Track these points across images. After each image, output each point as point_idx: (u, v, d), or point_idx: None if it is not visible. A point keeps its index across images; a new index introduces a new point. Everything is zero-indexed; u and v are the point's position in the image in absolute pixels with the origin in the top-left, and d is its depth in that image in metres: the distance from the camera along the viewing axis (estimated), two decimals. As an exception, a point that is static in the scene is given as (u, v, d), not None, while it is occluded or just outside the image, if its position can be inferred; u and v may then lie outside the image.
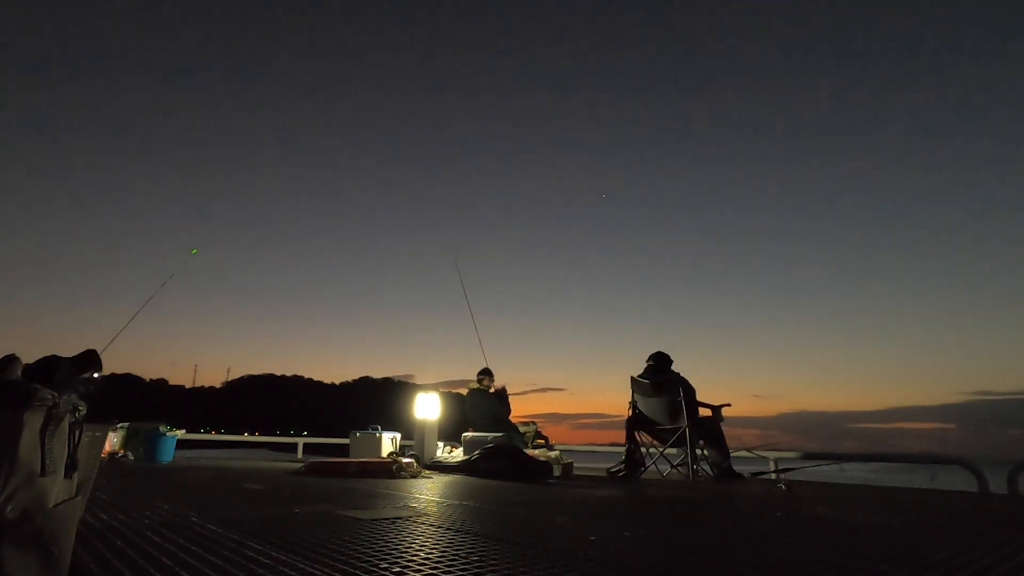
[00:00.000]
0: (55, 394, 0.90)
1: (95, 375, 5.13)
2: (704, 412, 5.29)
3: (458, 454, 5.89)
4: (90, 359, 5.22)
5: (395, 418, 7.58)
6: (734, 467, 5.06)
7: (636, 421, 5.43)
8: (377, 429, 6.62)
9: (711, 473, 5.00)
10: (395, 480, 4.07)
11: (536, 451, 5.29)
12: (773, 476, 5.27)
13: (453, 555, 1.40)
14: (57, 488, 0.92)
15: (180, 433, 6.31)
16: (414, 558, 1.35)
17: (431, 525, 1.89)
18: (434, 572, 1.22)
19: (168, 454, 5.99)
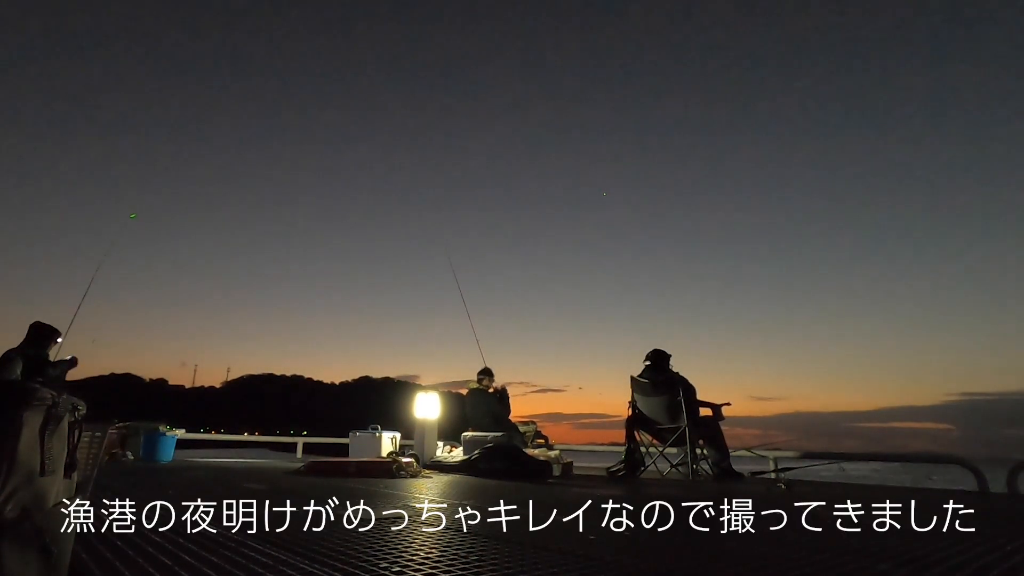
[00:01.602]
0: (55, 393, 0.90)
1: (58, 339, 5.13)
2: (704, 411, 5.28)
3: (458, 454, 5.89)
4: (43, 333, 5.21)
5: (395, 418, 7.59)
6: (734, 466, 5.06)
7: (636, 420, 5.42)
8: (377, 429, 6.62)
9: (710, 473, 5.00)
10: (395, 480, 4.07)
11: (536, 451, 5.29)
12: (773, 476, 5.26)
13: (453, 555, 1.40)
14: (57, 488, 0.92)
15: (180, 433, 6.32)
16: (414, 558, 1.35)
17: (431, 525, 1.89)
18: (434, 572, 1.22)
19: (168, 454, 5.99)
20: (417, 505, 2.46)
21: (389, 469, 4.34)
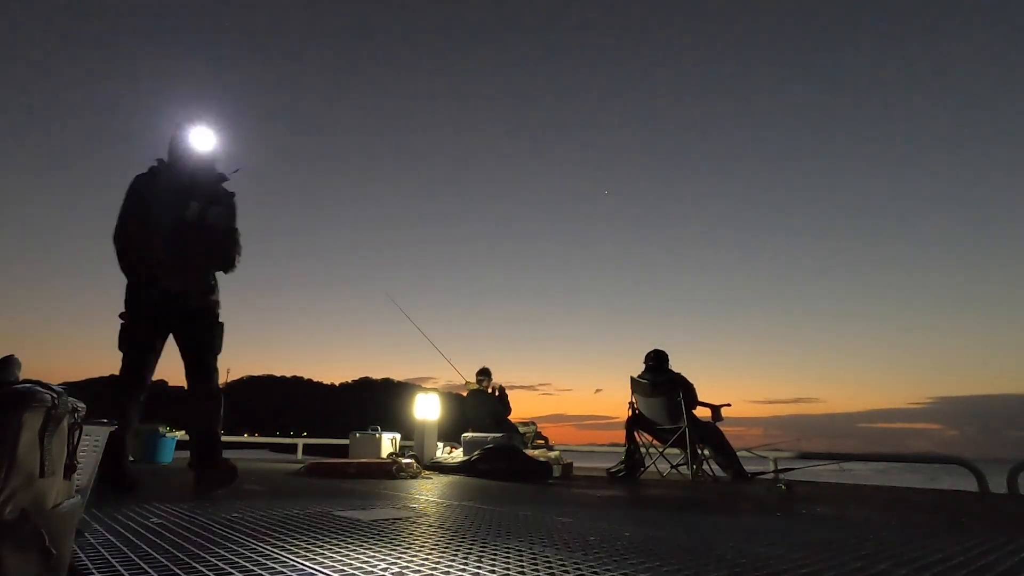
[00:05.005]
0: (55, 395, 0.90)
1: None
2: (704, 412, 5.29)
3: (458, 455, 5.88)
4: None
5: (395, 419, 7.58)
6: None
7: (636, 421, 5.43)
8: (377, 430, 6.62)
9: (712, 474, 5.00)
10: (395, 481, 4.06)
11: (536, 451, 5.29)
12: (773, 476, 5.27)
13: (453, 555, 1.40)
14: (56, 489, 0.92)
15: (180, 434, 6.31)
16: (414, 558, 1.35)
17: (431, 525, 1.89)
18: (433, 572, 1.22)
19: (168, 455, 5.98)
20: (417, 506, 2.46)
21: (389, 470, 4.34)
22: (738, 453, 5.24)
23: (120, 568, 1.21)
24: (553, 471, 4.75)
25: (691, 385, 5.26)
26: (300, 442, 9.10)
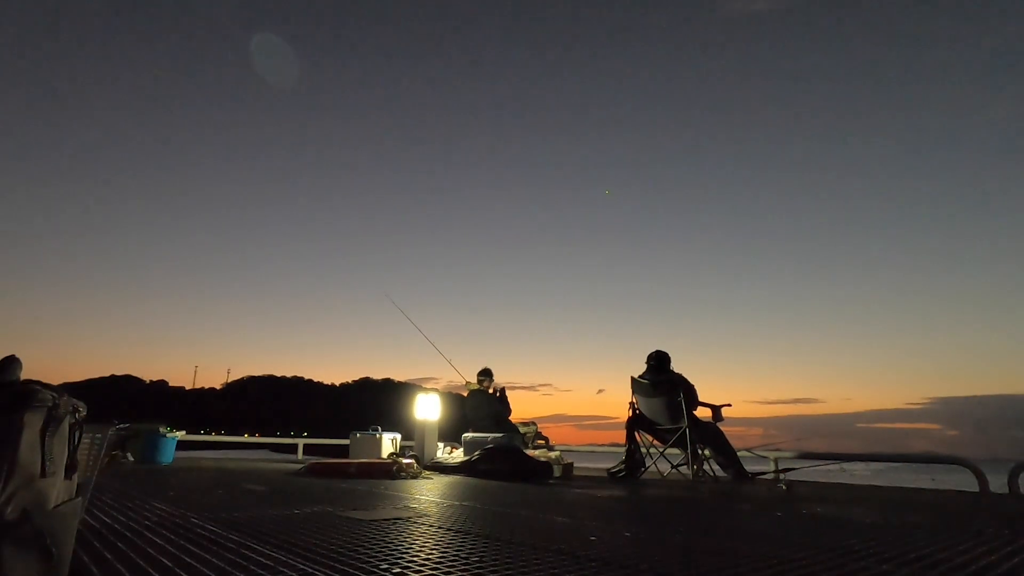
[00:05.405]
0: (55, 395, 0.90)
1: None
2: (704, 412, 5.28)
3: (458, 455, 5.88)
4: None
5: (395, 419, 7.58)
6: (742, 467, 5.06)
7: (636, 421, 5.42)
8: (377, 430, 6.62)
9: (712, 474, 5.00)
10: (395, 481, 4.07)
11: (536, 451, 5.29)
12: (773, 476, 5.27)
13: (453, 555, 1.40)
14: (57, 489, 0.92)
15: (180, 434, 6.31)
16: (414, 559, 1.35)
17: (431, 525, 1.89)
18: (434, 572, 1.22)
19: (168, 455, 5.99)
20: (417, 506, 2.46)
21: (389, 470, 4.34)
22: (738, 453, 5.23)
23: (121, 568, 1.21)
24: (553, 471, 4.75)
25: (692, 385, 5.25)
26: (300, 442, 9.10)
